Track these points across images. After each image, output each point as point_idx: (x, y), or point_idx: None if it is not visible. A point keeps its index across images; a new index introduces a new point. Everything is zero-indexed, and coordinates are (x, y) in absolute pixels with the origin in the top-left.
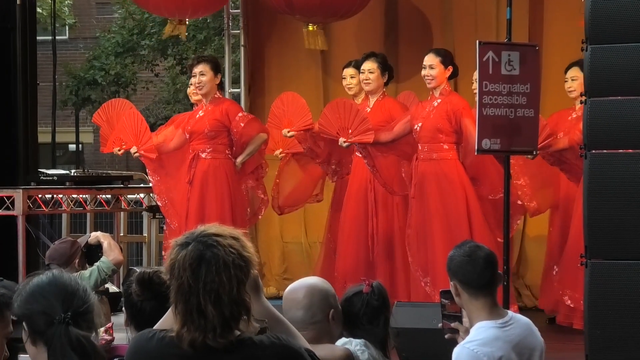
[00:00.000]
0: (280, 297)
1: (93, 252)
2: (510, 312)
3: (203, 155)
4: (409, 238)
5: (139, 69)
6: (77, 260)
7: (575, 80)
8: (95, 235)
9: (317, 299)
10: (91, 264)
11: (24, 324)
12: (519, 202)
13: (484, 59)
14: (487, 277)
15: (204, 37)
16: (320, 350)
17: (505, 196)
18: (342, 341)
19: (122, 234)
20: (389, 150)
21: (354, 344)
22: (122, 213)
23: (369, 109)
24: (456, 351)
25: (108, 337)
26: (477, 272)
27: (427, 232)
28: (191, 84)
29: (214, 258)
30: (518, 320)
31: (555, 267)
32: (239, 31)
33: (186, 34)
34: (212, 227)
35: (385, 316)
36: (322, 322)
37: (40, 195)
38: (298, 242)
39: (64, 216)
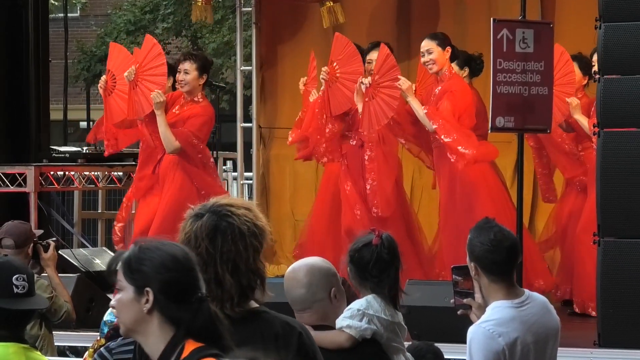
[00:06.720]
0: None
1: (36, 252)
2: (526, 291)
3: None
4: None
5: None
6: (30, 246)
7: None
8: (52, 244)
9: (318, 278)
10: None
11: (148, 290)
12: None
13: (498, 36)
14: (509, 266)
15: (221, 17)
16: (325, 336)
17: (519, 175)
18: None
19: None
20: None
21: (359, 322)
22: None
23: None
24: (471, 330)
25: None
26: (500, 262)
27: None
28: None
29: (230, 227)
30: (535, 299)
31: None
32: (251, 9)
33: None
34: (224, 198)
35: (395, 267)
36: (324, 300)
37: (52, 172)
38: None
39: (76, 193)
